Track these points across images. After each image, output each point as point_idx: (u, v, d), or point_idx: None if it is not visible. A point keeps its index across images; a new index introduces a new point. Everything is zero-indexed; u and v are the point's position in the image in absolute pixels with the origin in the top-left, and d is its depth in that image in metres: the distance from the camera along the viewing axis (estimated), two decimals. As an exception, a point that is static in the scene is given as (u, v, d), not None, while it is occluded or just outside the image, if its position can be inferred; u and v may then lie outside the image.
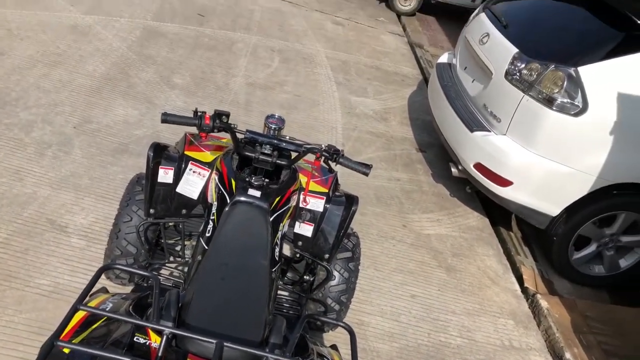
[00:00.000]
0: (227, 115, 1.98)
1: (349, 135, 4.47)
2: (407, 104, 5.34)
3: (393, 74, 5.93)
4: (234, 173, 1.98)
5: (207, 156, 2.23)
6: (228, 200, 1.90)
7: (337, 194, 2.33)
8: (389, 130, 4.76)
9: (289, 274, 2.47)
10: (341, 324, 1.60)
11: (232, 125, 2.01)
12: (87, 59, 4.25)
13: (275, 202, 1.95)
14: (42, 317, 2.26)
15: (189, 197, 2.17)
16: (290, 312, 2.35)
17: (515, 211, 3.63)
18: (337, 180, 2.36)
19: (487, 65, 3.73)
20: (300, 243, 2.25)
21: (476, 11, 4.39)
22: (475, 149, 3.60)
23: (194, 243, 2.27)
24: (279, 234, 1.97)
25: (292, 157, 2.02)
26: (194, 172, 2.18)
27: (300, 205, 2.22)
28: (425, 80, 5.82)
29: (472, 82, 3.96)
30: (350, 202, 2.25)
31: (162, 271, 2.43)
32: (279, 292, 2.40)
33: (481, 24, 4.04)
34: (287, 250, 2.33)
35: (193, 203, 2.20)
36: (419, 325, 2.89)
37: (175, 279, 2.27)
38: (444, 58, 4.69)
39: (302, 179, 2.26)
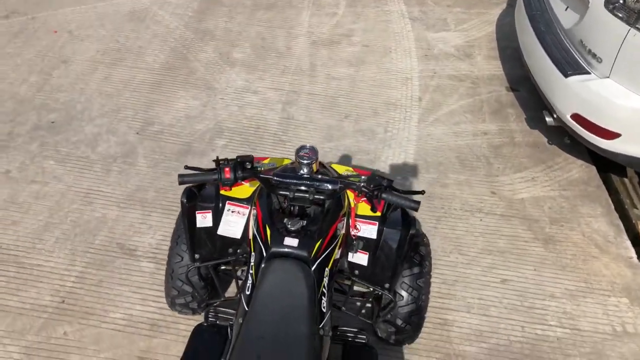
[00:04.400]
0: (250, 160, 1.78)
1: (426, 86, 4.04)
2: (495, 30, 4.70)
3: (477, -6, 5.21)
4: (268, 218, 1.81)
5: (245, 190, 2.07)
6: (264, 253, 1.75)
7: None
8: (474, 70, 4.23)
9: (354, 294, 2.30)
10: None
11: (258, 168, 1.81)
12: (146, 49, 4.17)
13: (317, 245, 1.77)
14: (118, 355, 2.33)
15: (232, 237, 2.05)
16: (357, 339, 2.20)
17: (624, 164, 3.10)
18: None
19: (581, -10, 3.08)
20: (356, 272, 2.06)
21: None
22: (571, 97, 3.06)
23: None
24: (326, 280, 1.79)
25: (332, 189, 1.79)
26: (232, 211, 2.03)
27: (351, 233, 2.00)
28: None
29: (566, 10, 3.32)
30: (407, 222, 1.98)
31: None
32: (345, 312, 2.25)
33: None
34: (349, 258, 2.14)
35: (238, 242, 2.07)
36: (511, 318, 2.62)
37: (230, 316, 2.18)
38: (531, -24, 3.97)
39: (351, 196, 2.03)
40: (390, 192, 1.74)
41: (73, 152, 3.26)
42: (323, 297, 1.77)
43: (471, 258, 2.88)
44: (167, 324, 2.46)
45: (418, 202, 1.74)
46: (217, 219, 2.05)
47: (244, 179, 1.77)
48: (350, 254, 2.02)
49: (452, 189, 3.26)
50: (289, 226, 1.76)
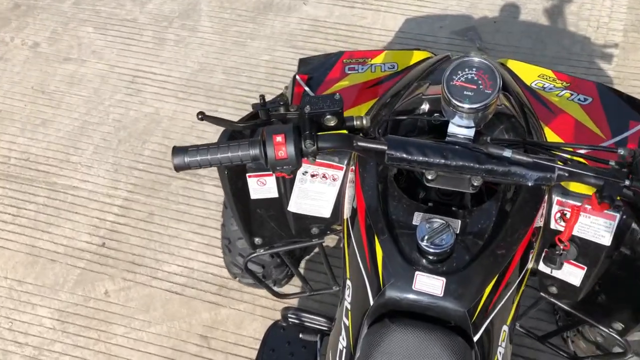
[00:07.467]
0: (338, 112, 0.77)
1: None
2: None
3: None
4: (380, 215, 0.86)
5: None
6: (369, 297, 0.84)
7: None
8: None
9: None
10: None
11: (354, 123, 0.80)
12: None
13: (489, 289, 0.81)
14: (174, 331, 1.67)
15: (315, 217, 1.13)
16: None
17: None
18: None
19: None
20: (554, 289, 1.08)
21: None
22: None
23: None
24: (501, 351, 0.86)
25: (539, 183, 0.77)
26: (312, 175, 1.07)
27: (557, 228, 0.98)
28: None
29: None
30: None
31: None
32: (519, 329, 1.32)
33: None
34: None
35: (327, 221, 1.15)
36: None
37: (321, 324, 1.34)
38: None
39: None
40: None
41: (116, 13, 2.36)
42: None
43: None
44: (239, 286, 1.72)
45: None
46: (285, 186, 1.11)
47: (318, 152, 0.78)
48: (545, 266, 1.02)
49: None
50: (425, 242, 0.79)
